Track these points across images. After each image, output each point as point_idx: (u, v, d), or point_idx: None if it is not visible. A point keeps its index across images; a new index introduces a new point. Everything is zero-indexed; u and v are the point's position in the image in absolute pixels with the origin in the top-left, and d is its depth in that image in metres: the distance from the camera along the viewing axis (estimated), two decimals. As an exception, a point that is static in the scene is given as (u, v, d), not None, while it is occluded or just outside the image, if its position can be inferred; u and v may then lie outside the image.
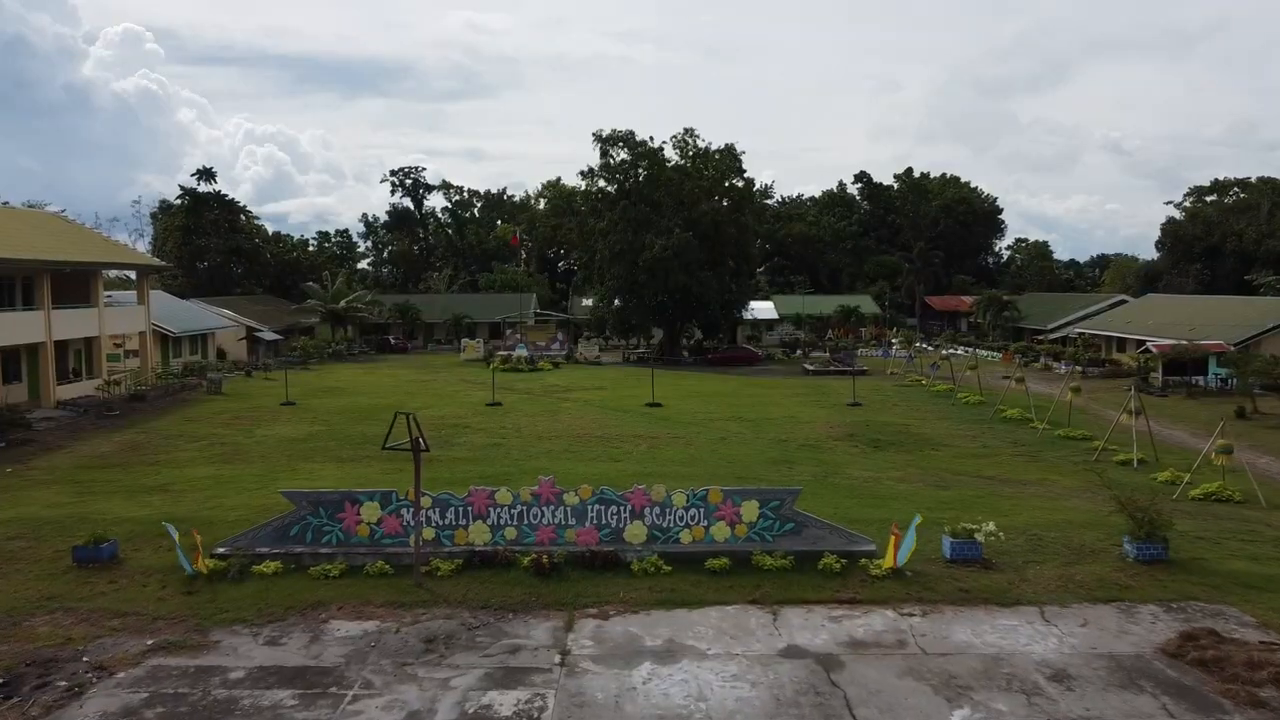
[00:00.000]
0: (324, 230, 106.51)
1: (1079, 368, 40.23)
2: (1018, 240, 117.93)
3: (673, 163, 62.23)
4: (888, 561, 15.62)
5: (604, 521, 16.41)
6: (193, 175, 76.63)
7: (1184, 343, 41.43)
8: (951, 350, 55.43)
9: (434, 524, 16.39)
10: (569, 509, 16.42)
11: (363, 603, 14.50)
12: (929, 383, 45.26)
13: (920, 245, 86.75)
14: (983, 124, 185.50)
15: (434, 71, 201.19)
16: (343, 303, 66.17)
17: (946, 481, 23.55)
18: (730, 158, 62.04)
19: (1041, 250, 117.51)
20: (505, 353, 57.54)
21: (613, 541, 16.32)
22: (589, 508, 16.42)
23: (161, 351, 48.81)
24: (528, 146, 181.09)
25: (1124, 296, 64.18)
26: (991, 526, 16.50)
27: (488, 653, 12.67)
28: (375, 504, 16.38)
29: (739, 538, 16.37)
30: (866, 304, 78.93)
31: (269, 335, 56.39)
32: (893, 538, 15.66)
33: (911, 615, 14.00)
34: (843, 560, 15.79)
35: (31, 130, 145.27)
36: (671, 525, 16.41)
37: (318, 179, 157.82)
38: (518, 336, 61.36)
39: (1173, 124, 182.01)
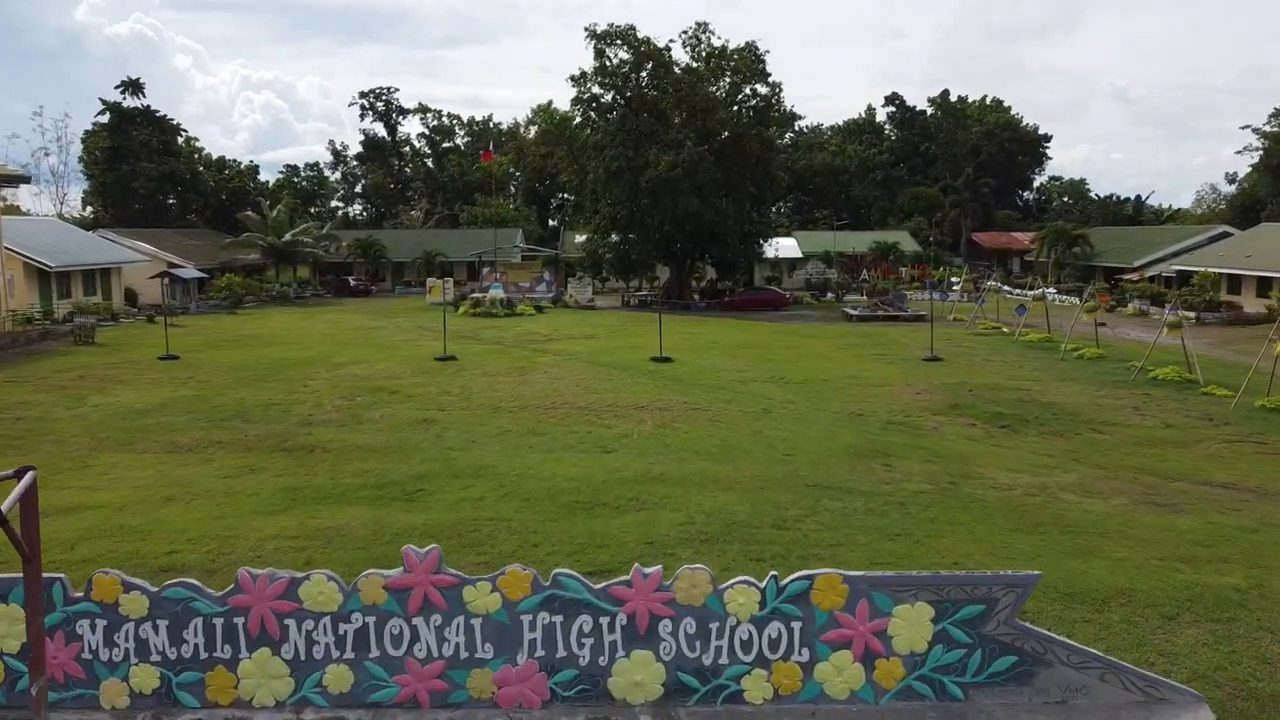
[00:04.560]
0: (292, 164, 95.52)
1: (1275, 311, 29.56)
2: (1051, 178, 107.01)
3: (683, 65, 51.45)
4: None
5: (562, 649, 6.81)
6: (117, 88, 65.56)
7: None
8: (1046, 291, 45.41)
9: (156, 652, 6.82)
10: (476, 624, 6.79)
11: None
12: (1016, 331, 35.38)
13: (967, 173, 75.71)
14: (989, 71, 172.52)
15: (431, 17, 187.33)
16: (287, 235, 55.71)
17: (1169, 497, 13.85)
18: (752, 58, 51.08)
19: (1079, 188, 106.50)
20: (477, 295, 47.56)
21: (585, 698, 6.75)
22: (525, 620, 6.81)
23: (41, 290, 38.94)
24: (527, 94, 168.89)
25: (1227, 228, 53.52)
26: None
27: None
28: (13, 608, 6.76)
29: (886, 691, 6.77)
30: (905, 240, 68.42)
31: (190, 273, 46.51)
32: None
33: None
34: (1152, 761, 6.20)
35: (23, 75, 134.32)
36: (721, 661, 6.81)
37: (316, 127, 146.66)
38: (496, 275, 51.31)
39: (1181, 72, 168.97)
